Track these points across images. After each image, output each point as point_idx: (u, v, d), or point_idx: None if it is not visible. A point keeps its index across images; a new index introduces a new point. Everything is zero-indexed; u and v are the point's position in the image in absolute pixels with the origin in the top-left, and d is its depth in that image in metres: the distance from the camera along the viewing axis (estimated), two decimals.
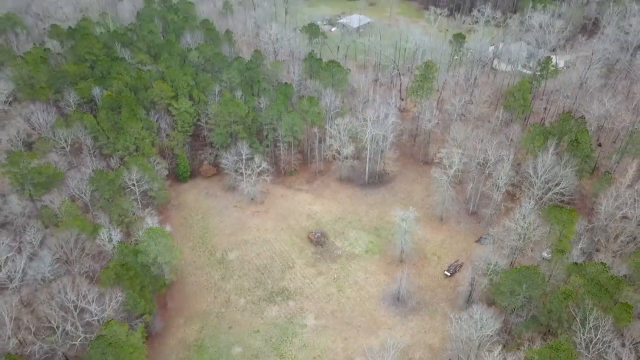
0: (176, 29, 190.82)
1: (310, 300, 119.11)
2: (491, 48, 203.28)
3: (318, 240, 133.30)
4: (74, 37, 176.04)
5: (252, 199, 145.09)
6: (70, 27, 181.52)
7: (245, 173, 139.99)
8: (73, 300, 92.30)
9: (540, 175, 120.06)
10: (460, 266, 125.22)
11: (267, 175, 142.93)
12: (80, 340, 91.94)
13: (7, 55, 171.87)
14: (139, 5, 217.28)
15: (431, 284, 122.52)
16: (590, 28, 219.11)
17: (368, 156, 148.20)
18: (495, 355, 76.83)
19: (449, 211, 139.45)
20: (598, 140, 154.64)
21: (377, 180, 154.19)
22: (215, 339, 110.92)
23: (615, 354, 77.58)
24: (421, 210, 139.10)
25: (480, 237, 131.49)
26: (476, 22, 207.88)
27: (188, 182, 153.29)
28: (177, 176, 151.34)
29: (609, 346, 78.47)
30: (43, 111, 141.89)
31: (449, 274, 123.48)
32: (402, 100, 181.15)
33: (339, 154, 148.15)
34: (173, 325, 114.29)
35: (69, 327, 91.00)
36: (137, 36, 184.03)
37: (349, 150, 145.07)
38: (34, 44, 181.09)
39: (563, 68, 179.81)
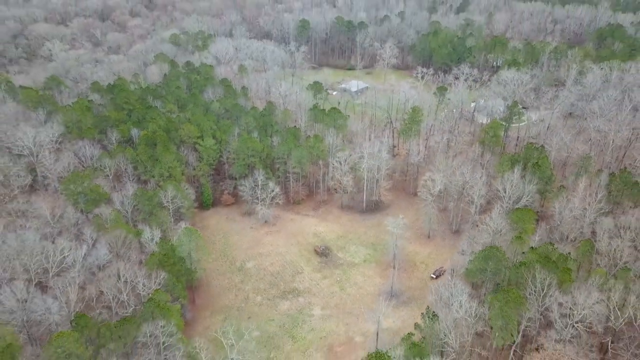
0: (199, 86, 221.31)
1: (317, 296, 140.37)
2: (472, 104, 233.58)
3: (323, 252, 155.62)
4: (113, 91, 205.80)
5: (265, 221, 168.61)
6: (109, 84, 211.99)
7: (261, 197, 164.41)
8: (126, 278, 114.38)
9: (508, 191, 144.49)
10: (445, 271, 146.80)
11: (279, 200, 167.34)
12: (131, 311, 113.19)
13: (55, 106, 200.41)
14: (165, 69, 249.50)
15: (419, 285, 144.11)
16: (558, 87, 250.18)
17: (365, 186, 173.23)
18: (463, 300, 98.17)
19: (435, 231, 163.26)
20: (564, 174, 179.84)
21: (374, 208, 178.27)
22: (237, 326, 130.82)
23: (559, 302, 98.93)
24: (411, 230, 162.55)
25: (462, 249, 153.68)
26: (456, 78, 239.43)
27: (210, 210, 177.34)
28: (201, 203, 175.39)
29: (554, 297, 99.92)
30: (90, 147, 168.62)
31: (434, 277, 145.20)
32: (395, 147, 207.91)
33: (340, 183, 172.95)
34: (200, 317, 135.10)
35: (123, 298, 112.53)
36: (165, 91, 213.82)
37: (349, 178, 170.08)
38: (78, 96, 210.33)
39: (536, 121, 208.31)
